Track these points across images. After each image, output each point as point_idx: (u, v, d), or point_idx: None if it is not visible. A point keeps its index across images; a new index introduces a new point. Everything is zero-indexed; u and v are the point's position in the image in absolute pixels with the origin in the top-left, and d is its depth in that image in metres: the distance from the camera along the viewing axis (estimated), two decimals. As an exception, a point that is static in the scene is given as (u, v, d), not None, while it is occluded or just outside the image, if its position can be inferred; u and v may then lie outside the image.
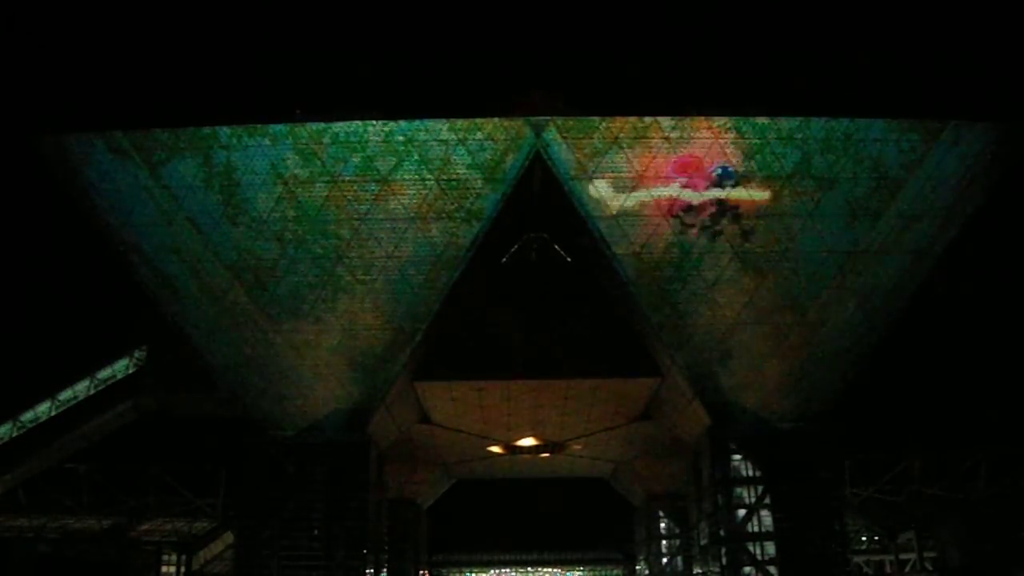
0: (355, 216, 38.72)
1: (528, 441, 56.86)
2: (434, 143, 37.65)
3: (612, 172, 38.11)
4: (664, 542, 66.87)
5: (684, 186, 38.19)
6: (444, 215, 38.80)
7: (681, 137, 37.72)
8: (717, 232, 38.73)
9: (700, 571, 50.70)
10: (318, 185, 38.24)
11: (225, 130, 37.78)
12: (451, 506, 75.12)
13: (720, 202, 38.18)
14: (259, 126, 37.68)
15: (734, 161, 38.04)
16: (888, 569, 56.72)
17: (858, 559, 56.64)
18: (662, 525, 67.18)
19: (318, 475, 42.78)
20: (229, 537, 53.04)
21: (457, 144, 37.63)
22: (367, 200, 38.46)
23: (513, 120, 37.56)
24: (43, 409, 48.43)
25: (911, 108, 39.55)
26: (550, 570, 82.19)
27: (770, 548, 42.79)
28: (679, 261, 39.61)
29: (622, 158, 37.92)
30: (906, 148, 38.16)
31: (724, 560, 43.54)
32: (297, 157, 37.87)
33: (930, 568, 52.23)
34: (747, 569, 42.61)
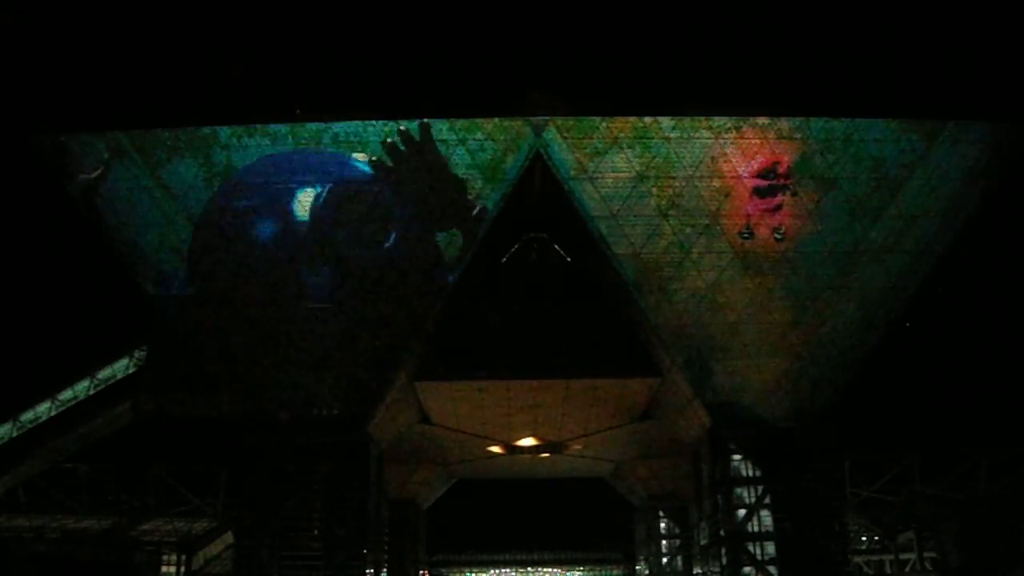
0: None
1: (528, 441, 56.86)
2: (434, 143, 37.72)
3: (612, 172, 38.16)
4: (664, 542, 66.67)
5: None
6: (444, 215, 38.87)
7: (681, 137, 37.78)
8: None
9: (700, 571, 50.74)
10: (318, 185, 38.33)
11: (225, 130, 37.88)
12: (451, 506, 75.07)
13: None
14: (259, 126, 37.75)
15: (735, 161, 38.19)
16: (888, 569, 56.67)
17: (858, 559, 56.57)
18: (662, 525, 67.01)
19: (318, 475, 42.76)
20: (229, 537, 52.93)
21: (457, 144, 37.68)
22: (367, 200, 38.53)
23: (513, 120, 37.67)
24: (43, 409, 48.31)
25: (911, 108, 39.64)
26: (550, 570, 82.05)
27: (770, 548, 42.76)
28: (679, 261, 39.65)
29: (622, 158, 37.97)
30: (906, 148, 38.27)
31: (724, 560, 43.56)
32: (297, 157, 37.93)
33: (930, 568, 52.17)
34: (747, 569, 42.58)
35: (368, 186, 38.98)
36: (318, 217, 39.44)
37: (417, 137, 37.94)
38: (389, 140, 38.21)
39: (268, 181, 39.03)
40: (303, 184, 39.31)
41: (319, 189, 39.33)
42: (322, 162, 38.80)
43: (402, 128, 38.02)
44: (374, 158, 38.62)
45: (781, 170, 38.29)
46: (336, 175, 39.03)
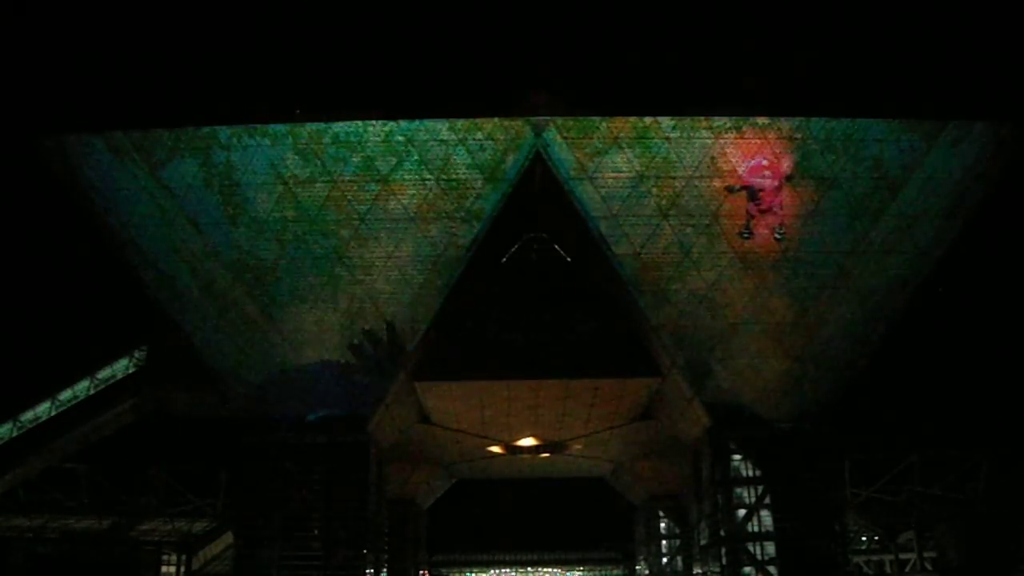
0: (355, 216, 38.76)
1: (528, 441, 56.84)
2: (434, 143, 37.71)
3: (612, 172, 38.15)
4: (664, 542, 66.78)
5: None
6: (444, 215, 38.86)
7: (681, 137, 37.76)
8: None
9: (700, 571, 50.74)
10: (318, 185, 38.33)
11: (225, 130, 37.84)
12: (451, 506, 75.10)
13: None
14: (259, 126, 37.76)
15: (735, 161, 38.19)
16: (888, 569, 56.67)
17: (858, 559, 56.58)
18: (662, 525, 67.09)
19: (318, 475, 42.80)
20: (229, 537, 52.93)
21: (457, 144, 37.66)
22: (367, 200, 38.52)
23: (513, 120, 37.61)
24: (43, 409, 48.29)
25: (911, 108, 39.57)
26: (550, 570, 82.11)
27: (770, 548, 42.81)
28: (679, 261, 39.64)
29: (622, 158, 37.95)
30: (906, 148, 38.22)
31: (724, 560, 43.57)
32: (297, 157, 37.93)
33: (930, 568, 52.17)
34: (747, 569, 42.62)
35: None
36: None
37: (385, 337, 40.84)
38: (355, 342, 41.02)
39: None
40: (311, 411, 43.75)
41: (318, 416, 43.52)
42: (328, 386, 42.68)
43: (366, 328, 40.53)
44: (343, 361, 41.39)
45: (781, 170, 38.28)
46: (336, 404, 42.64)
